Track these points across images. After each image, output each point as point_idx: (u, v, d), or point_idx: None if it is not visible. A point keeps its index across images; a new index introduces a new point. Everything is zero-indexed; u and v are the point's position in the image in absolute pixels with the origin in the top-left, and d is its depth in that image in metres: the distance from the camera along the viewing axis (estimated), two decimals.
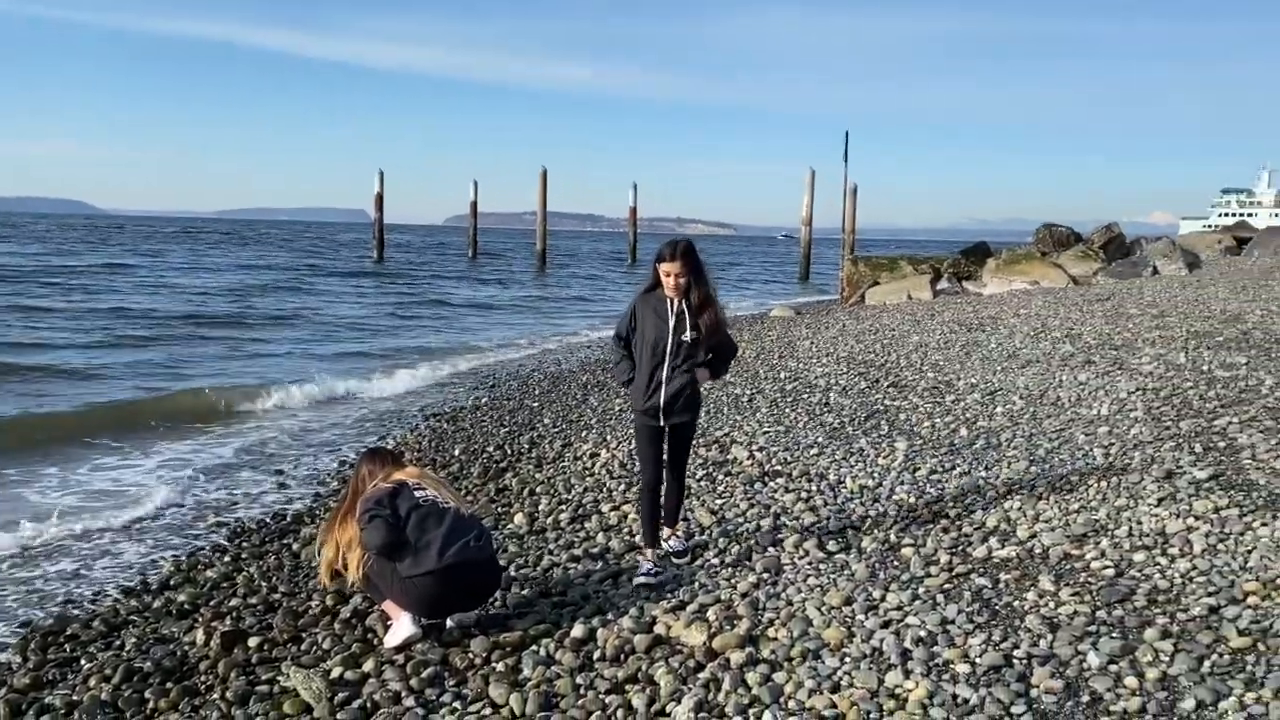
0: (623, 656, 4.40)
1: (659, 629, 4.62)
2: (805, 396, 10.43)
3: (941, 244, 65.83)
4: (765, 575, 5.25)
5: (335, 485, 8.21)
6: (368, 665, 4.47)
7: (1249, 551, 4.93)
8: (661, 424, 5.31)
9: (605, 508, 6.77)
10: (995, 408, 8.96)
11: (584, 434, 9.32)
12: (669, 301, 5.17)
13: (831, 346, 14.53)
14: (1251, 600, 4.39)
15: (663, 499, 5.56)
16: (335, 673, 4.39)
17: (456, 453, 9.05)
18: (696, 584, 5.20)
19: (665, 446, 5.46)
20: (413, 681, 4.26)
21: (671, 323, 5.17)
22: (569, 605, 5.03)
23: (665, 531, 5.64)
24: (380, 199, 49.71)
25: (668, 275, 5.09)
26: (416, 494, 4.73)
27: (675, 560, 5.54)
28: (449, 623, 4.76)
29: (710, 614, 4.71)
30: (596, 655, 4.43)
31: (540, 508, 6.91)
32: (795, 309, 23.72)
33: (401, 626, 4.63)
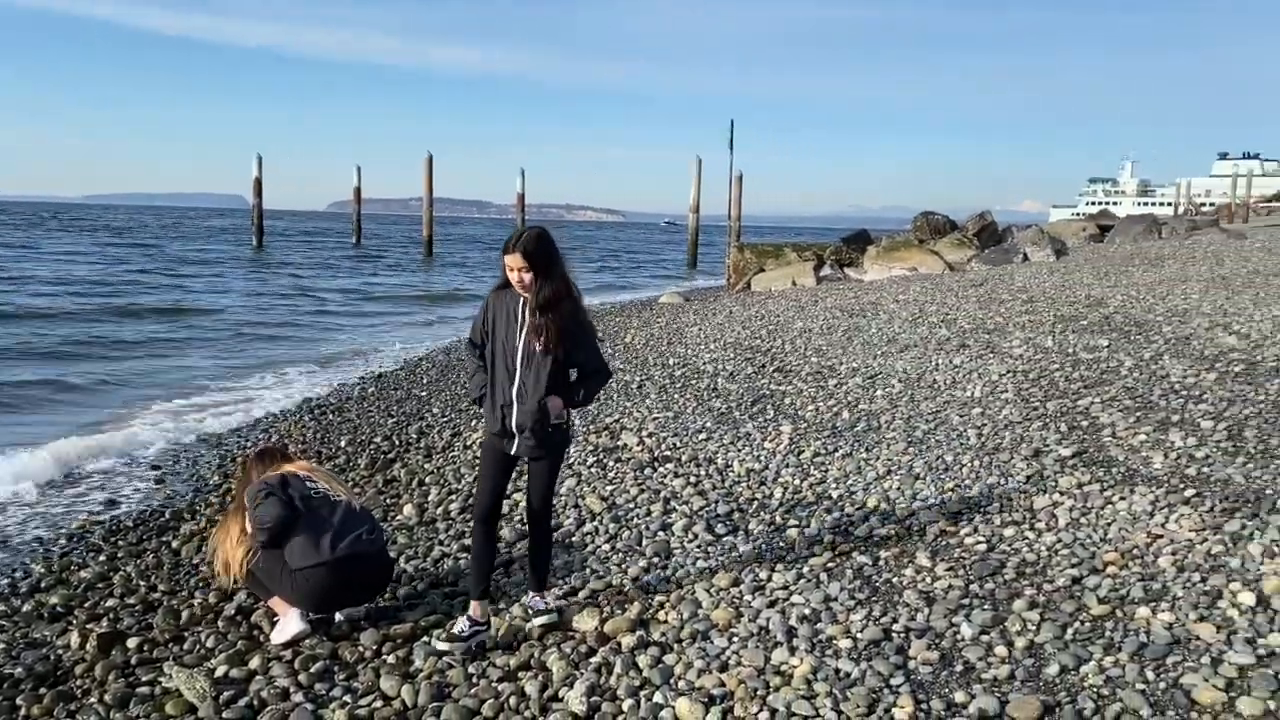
0: (515, 644, 4.41)
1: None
2: (694, 382, 10.58)
3: (826, 231, 67.45)
4: (656, 559, 5.34)
5: (216, 480, 7.96)
6: (254, 662, 4.38)
7: (1109, 524, 5.25)
8: (512, 453, 4.40)
9: None
10: (876, 391, 9.26)
11: (474, 423, 9.25)
12: (520, 301, 4.29)
13: (719, 333, 14.75)
14: (1110, 570, 4.68)
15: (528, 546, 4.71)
16: (220, 671, 4.28)
17: (343, 444, 8.88)
18: (588, 570, 5.25)
19: (524, 482, 4.75)
20: (301, 677, 4.19)
21: (522, 328, 4.27)
22: (460, 596, 5.01)
23: (531, 594, 4.67)
24: (259, 184, 48.11)
25: (511, 271, 4.21)
26: (307, 485, 4.65)
27: (533, 612, 4.58)
28: (338, 616, 4.69)
29: (602, 599, 4.77)
30: (489, 644, 4.43)
31: (430, 498, 6.86)
32: (684, 295, 23.97)
33: (289, 623, 4.55)
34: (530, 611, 4.59)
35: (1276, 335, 10.08)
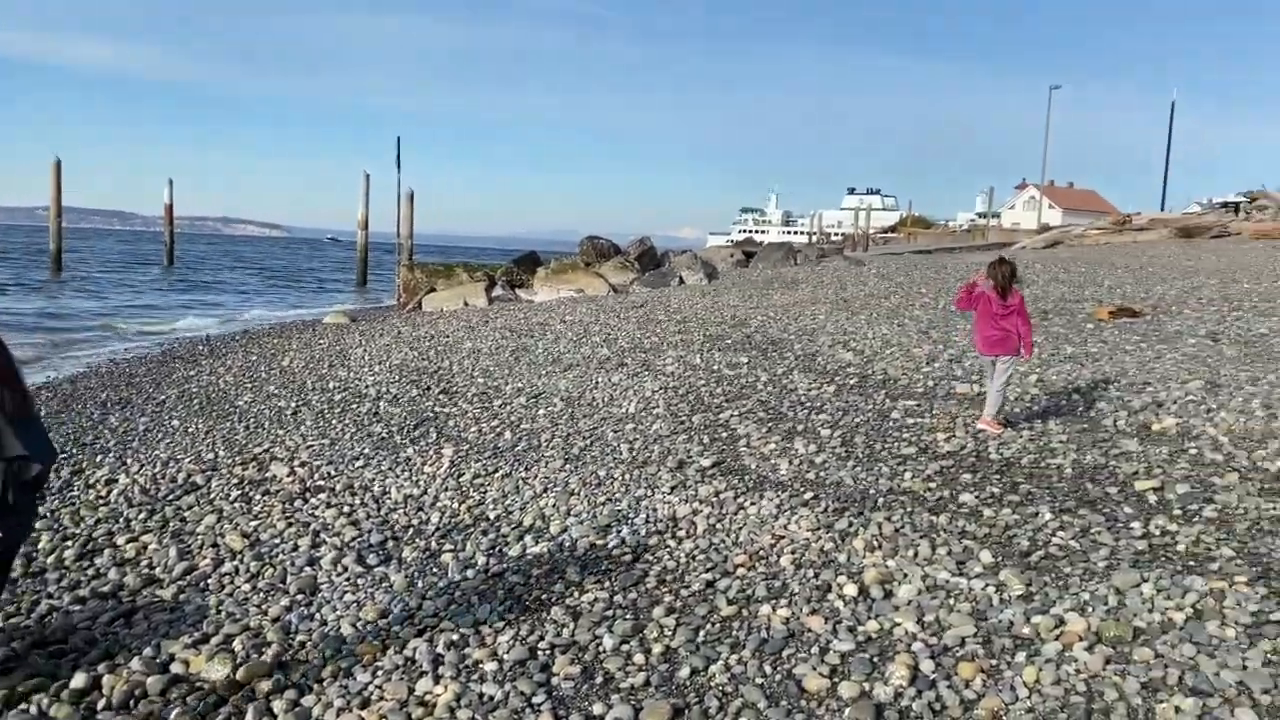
0: (133, 702, 4.01)
1: (176, 667, 4.27)
2: (355, 406, 10.23)
3: (499, 252, 67.98)
4: (300, 597, 5.07)
5: None
6: None
7: (740, 529, 5.66)
8: None
9: (121, 540, 6.12)
10: (538, 410, 9.42)
11: (99, 458, 8.36)
12: None
13: (385, 354, 14.38)
14: (740, 571, 5.04)
15: None
16: None
17: None
18: (224, 614, 4.89)
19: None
20: None
21: None
22: (70, 653, 4.48)
23: None
24: None
25: None
26: None
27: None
28: None
29: (237, 644, 4.45)
30: (101, 705, 3.99)
31: (40, 546, 6.08)
32: (351, 315, 23.16)
33: None
34: None
35: (884, 351, 11.41)
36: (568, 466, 7.27)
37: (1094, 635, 4.09)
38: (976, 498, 5.98)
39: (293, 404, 10.46)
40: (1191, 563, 4.80)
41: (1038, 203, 78.50)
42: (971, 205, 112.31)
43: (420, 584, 5.17)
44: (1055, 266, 24.07)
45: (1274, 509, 5.43)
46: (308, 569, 5.46)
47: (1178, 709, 3.51)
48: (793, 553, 5.21)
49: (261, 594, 5.14)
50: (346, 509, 6.57)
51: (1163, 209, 56.55)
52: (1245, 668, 3.75)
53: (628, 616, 4.54)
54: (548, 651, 4.24)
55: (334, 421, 9.49)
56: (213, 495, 6.86)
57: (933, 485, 6.29)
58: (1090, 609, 4.33)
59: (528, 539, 5.76)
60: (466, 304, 23.30)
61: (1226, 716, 3.46)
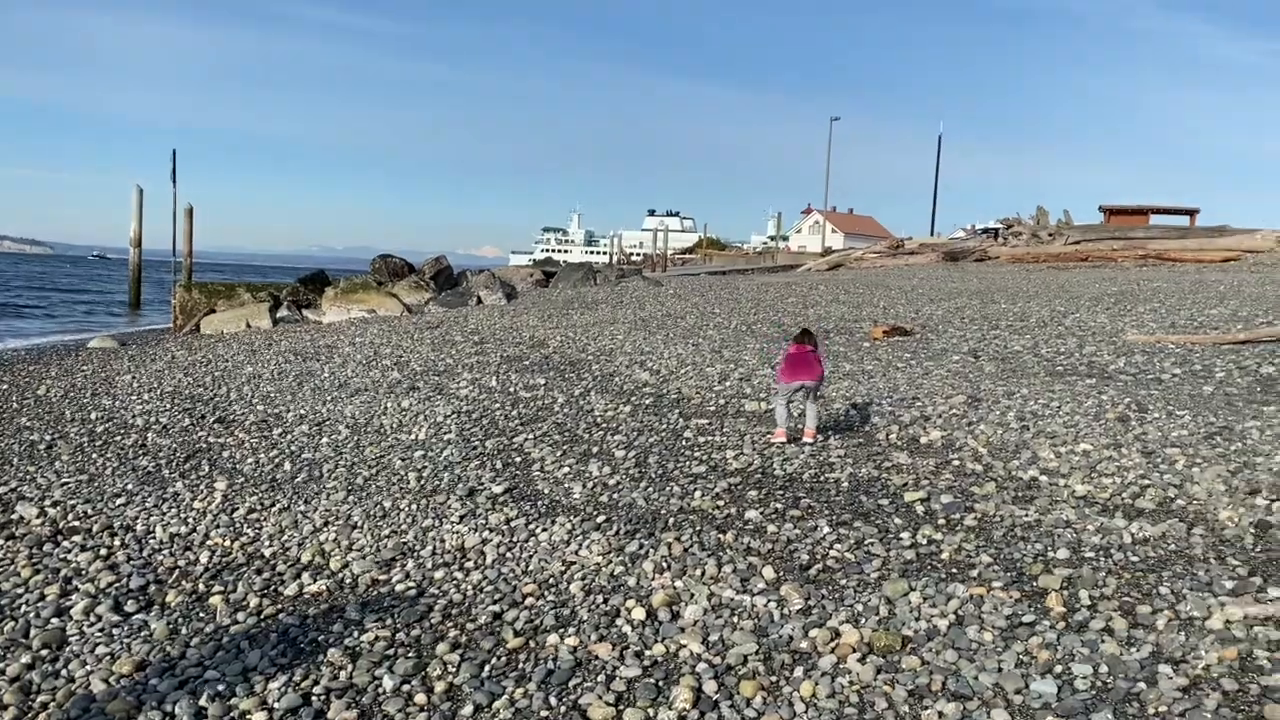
0: None
1: None
2: (119, 438, 9.46)
3: (290, 270, 65.13)
4: (44, 652, 4.59)
5: None
6: None
7: (531, 556, 5.57)
8: None
9: None
10: (321, 439, 9.01)
11: None
12: None
13: (157, 381, 13.42)
14: (529, 601, 4.96)
15: None
16: None
17: None
18: None
19: None
20: None
21: None
22: None
23: None
24: None
25: None
26: None
27: None
28: None
29: None
30: None
31: None
32: (120, 339, 21.52)
33: None
34: None
35: (679, 371, 11.64)
36: (351, 498, 6.97)
37: (866, 646, 4.26)
38: (761, 514, 6.14)
39: (47, 437, 9.56)
40: (954, 570, 5.10)
41: (821, 227, 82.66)
42: (765, 228, 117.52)
43: (185, 630, 4.80)
44: (837, 288, 25.36)
45: (1026, 516, 5.86)
46: (55, 620, 4.97)
47: (940, 714, 3.69)
48: (583, 579, 5.18)
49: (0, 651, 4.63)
50: (104, 551, 6.05)
51: (932, 234, 60.70)
52: (1000, 670, 4.00)
53: (410, 655, 4.37)
54: (323, 697, 4.01)
55: (94, 455, 8.74)
56: None
57: (721, 503, 6.42)
58: (863, 620, 4.51)
59: (305, 577, 5.46)
60: (249, 326, 22.15)
61: (983, 718, 3.67)
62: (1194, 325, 13.87)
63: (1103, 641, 4.17)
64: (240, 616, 4.93)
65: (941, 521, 5.87)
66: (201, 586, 5.41)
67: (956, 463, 7.10)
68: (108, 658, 4.50)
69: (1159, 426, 7.58)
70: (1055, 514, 5.85)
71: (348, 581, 5.35)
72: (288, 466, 8.03)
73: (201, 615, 5.01)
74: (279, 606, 5.03)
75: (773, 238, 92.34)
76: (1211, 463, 6.53)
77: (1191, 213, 45.62)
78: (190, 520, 6.64)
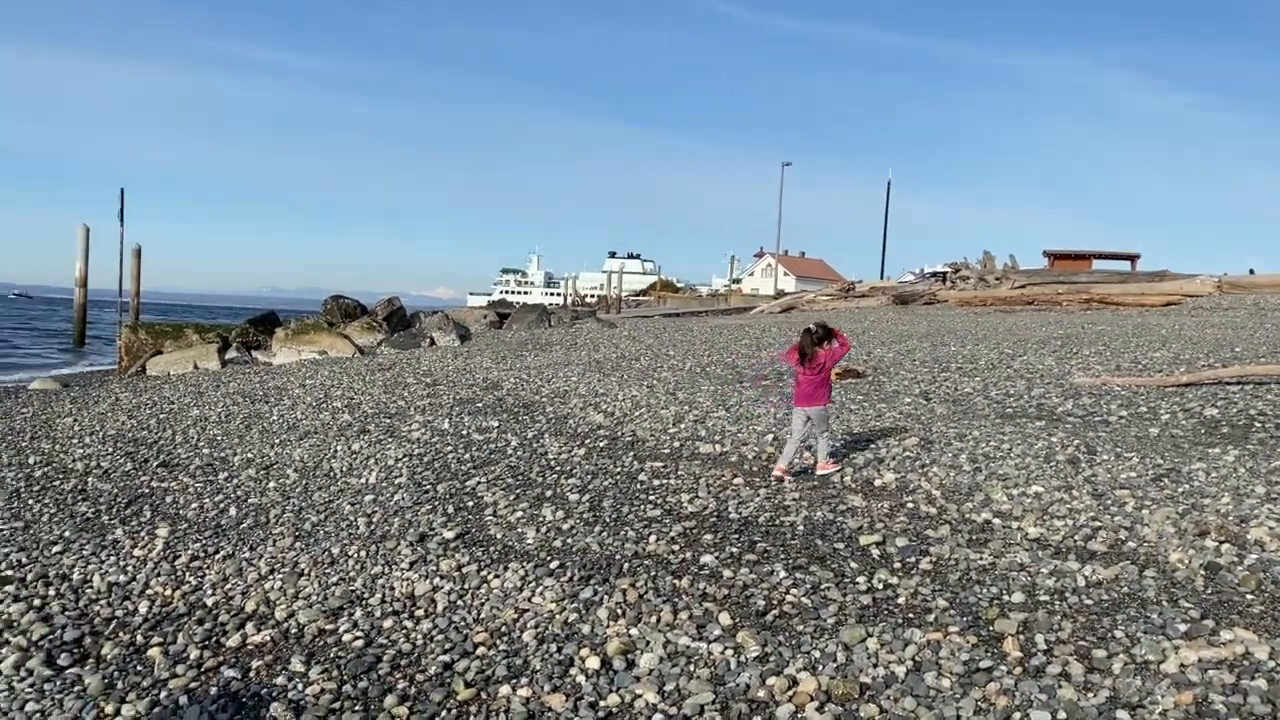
0: None
1: None
2: (58, 483, 9.18)
3: (240, 311, 64.27)
4: None
5: None
6: None
7: (482, 604, 5.45)
8: None
9: None
10: (269, 483, 8.80)
11: None
12: None
13: (99, 424, 13.08)
14: (480, 650, 4.84)
15: None
16: None
17: None
18: None
19: None
20: None
21: None
22: None
23: None
24: None
25: None
26: None
27: None
28: None
29: None
30: None
31: None
32: (62, 381, 21.00)
33: None
34: None
35: (634, 413, 11.58)
36: (298, 544, 6.79)
37: (824, 694, 4.21)
38: (717, 559, 6.08)
39: None
40: (911, 615, 5.07)
41: (774, 270, 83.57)
42: (724, 270, 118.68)
43: (121, 685, 4.62)
44: (790, 330, 25.54)
45: (981, 559, 5.86)
46: None
47: None
48: (536, 626, 5.07)
49: None
50: (37, 602, 5.83)
51: (882, 277, 61.65)
52: (959, 717, 3.96)
53: (357, 708, 4.23)
54: None
55: (31, 501, 8.47)
56: None
57: (676, 548, 6.35)
58: (820, 667, 4.46)
59: (249, 627, 5.29)
60: (196, 367, 21.76)
61: None
62: (1138, 368, 14.13)
63: (1060, 687, 4.15)
64: (179, 669, 4.76)
65: (897, 565, 5.86)
66: (140, 638, 5.22)
67: (911, 505, 7.11)
68: (37, 715, 4.31)
69: (1108, 468, 7.66)
70: (1009, 557, 5.87)
71: (293, 631, 5.19)
72: (233, 512, 7.83)
73: (139, 668, 4.83)
74: (221, 658, 4.86)
75: (735, 280, 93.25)
76: (1160, 504, 6.61)
77: (1133, 258, 46.84)
78: (130, 568, 6.43)
